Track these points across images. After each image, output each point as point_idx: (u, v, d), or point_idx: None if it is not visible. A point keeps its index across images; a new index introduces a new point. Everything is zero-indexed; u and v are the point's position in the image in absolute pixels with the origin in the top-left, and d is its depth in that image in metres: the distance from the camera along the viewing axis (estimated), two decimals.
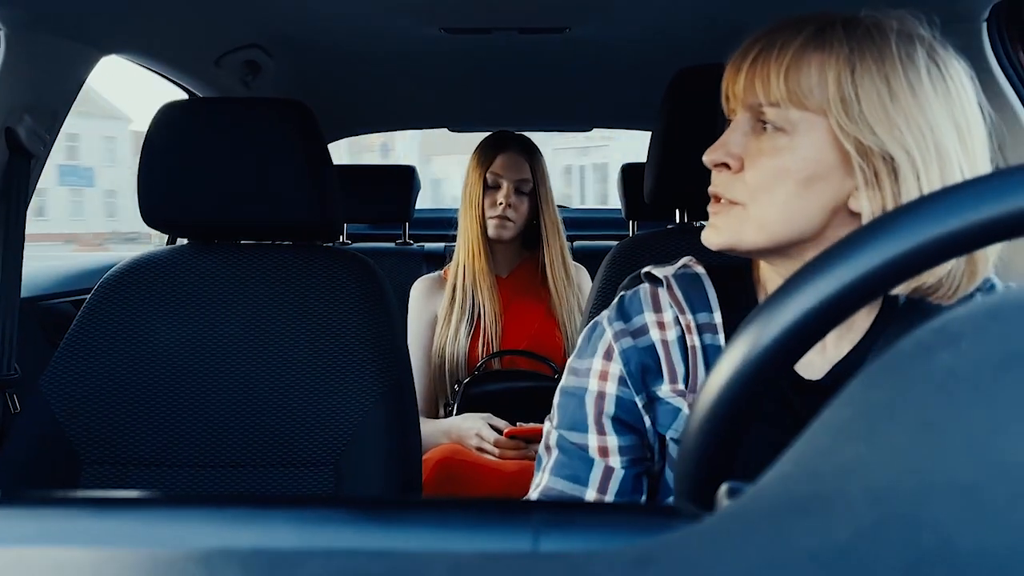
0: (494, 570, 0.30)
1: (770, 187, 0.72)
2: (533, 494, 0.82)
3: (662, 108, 1.21)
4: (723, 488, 0.38)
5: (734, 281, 0.83)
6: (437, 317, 1.80)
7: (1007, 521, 0.21)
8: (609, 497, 0.79)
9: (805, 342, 0.40)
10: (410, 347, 1.78)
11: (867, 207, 0.69)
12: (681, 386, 0.79)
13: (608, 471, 0.79)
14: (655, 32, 1.70)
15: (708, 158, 0.75)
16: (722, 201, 0.75)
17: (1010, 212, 0.36)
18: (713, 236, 0.76)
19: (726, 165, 0.74)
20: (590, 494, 0.79)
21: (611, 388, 0.80)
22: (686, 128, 1.18)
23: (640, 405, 0.80)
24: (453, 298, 1.78)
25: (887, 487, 0.24)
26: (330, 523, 0.34)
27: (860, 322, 0.77)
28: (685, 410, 0.78)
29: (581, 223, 2.02)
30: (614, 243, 1.35)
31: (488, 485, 1.49)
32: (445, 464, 1.48)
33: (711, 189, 0.76)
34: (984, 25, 1.31)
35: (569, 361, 0.86)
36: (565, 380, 0.85)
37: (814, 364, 0.77)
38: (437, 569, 0.30)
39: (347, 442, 1.18)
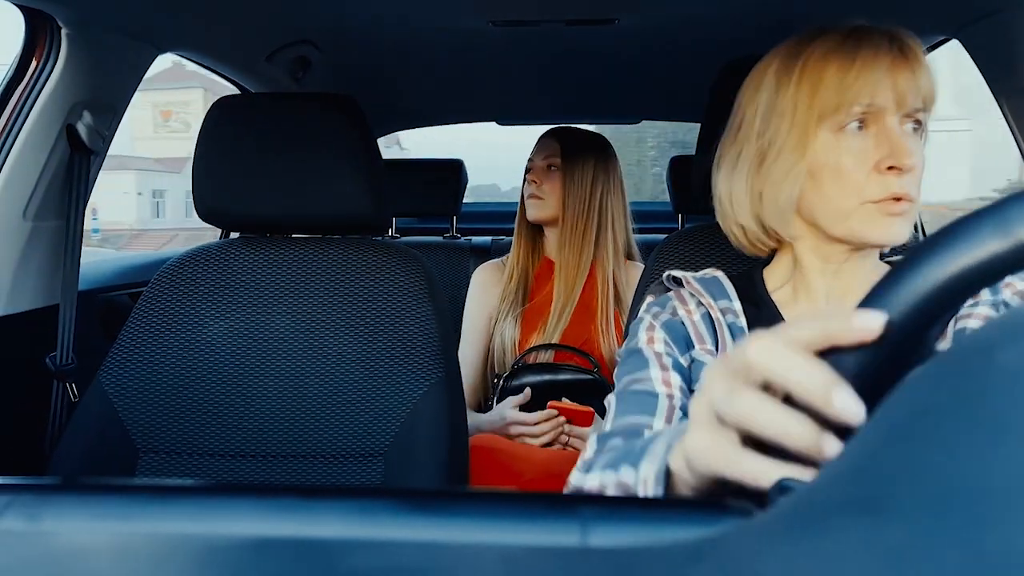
0: (542, 564, 0.30)
1: (920, 185, 0.83)
2: (593, 437, 0.82)
3: (710, 100, 1.19)
4: (775, 485, 0.37)
5: (747, 282, 0.94)
6: (497, 307, 1.81)
7: None
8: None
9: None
10: (464, 335, 1.79)
11: None
12: (710, 346, 0.88)
13: (672, 406, 0.83)
14: (704, 22, 1.67)
15: (911, 161, 0.80)
16: (906, 201, 0.81)
17: None
18: (902, 233, 0.83)
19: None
20: (658, 423, 0.82)
21: (660, 347, 0.88)
22: None
23: (686, 365, 0.88)
24: (507, 286, 1.80)
25: (945, 488, 0.23)
26: (379, 514, 0.34)
27: (861, 284, 0.86)
28: None
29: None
30: (662, 236, 1.33)
31: (519, 472, 1.49)
32: (476, 452, 1.48)
33: (902, 191, 0.81)
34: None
35: (620, 349, 0.94)
36: (620, 360, 0.91)
37: None
38: (485, 562, 0.30)
39: (395, 434, 1.20)
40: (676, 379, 0.85)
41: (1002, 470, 0.22)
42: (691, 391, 0.86)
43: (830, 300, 0.87)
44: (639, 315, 0.94)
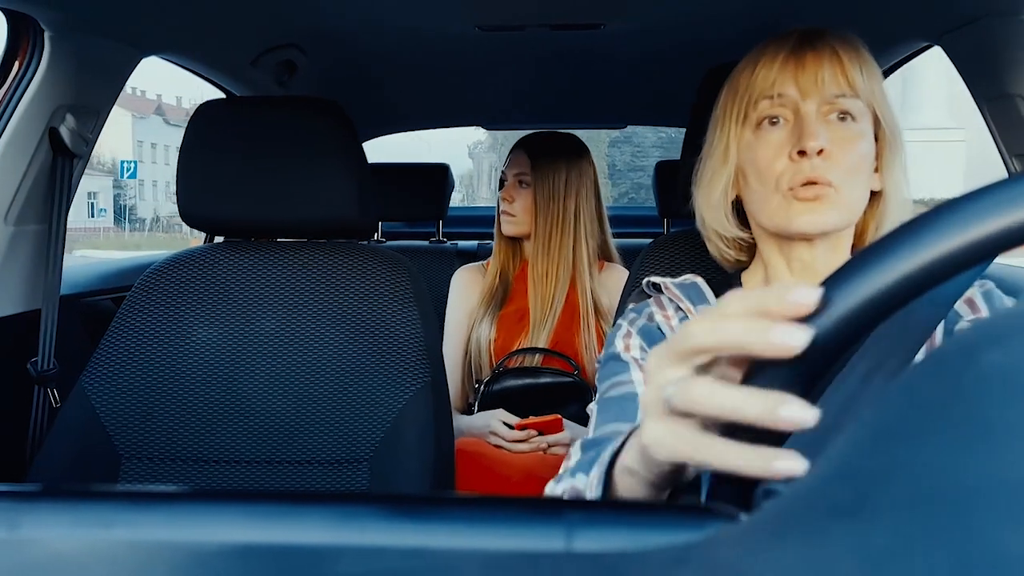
0: (527, 569, 0.30)
1: (857, 171, 0.83)
2: (576, 445, 0.82)
3: (695, 105, 1.20)
4: (760, 489, 0.37)
5: (726, 287, 0.92)
6: (476, 309, 1.81)
7: None
8: None
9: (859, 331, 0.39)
10: (446, 337, 1.79)
11: (889, 183, 0.86)
12: None
13: None
14: (689, 27, 1.68)
15: (815, 143, 0.81)
16: (821, 185, 0.81)
17: None
18: (820, 220, 0.82)
19: (819, 152, 0.81)
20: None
21: (637, 352, 0.89)
22: None
23: None
24: (486, 288, 1.81)
25: (930, 490, 0.23)
26: (363, 520, 0.34)
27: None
28: None
29: (614, 221, 2.01)
30: (648, 240, 1.34)
31: (503, 476, 1.50)
32: (461, 456, 1.49)
33: (815, 175, 0.81)
34: None
35: (599, 356, 0.94)
36: (599, 367, 0.91)
37: None
38: (469, 567, 0.30)
39: (381, 439, 1.19)
40: None
41: (987, 472, 0.22)
42: None
43: None
44: (616, 322, 0.94)
